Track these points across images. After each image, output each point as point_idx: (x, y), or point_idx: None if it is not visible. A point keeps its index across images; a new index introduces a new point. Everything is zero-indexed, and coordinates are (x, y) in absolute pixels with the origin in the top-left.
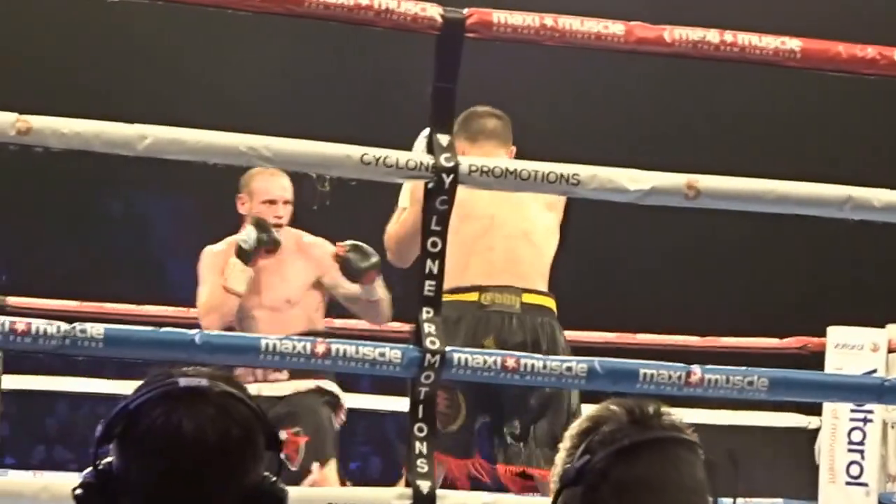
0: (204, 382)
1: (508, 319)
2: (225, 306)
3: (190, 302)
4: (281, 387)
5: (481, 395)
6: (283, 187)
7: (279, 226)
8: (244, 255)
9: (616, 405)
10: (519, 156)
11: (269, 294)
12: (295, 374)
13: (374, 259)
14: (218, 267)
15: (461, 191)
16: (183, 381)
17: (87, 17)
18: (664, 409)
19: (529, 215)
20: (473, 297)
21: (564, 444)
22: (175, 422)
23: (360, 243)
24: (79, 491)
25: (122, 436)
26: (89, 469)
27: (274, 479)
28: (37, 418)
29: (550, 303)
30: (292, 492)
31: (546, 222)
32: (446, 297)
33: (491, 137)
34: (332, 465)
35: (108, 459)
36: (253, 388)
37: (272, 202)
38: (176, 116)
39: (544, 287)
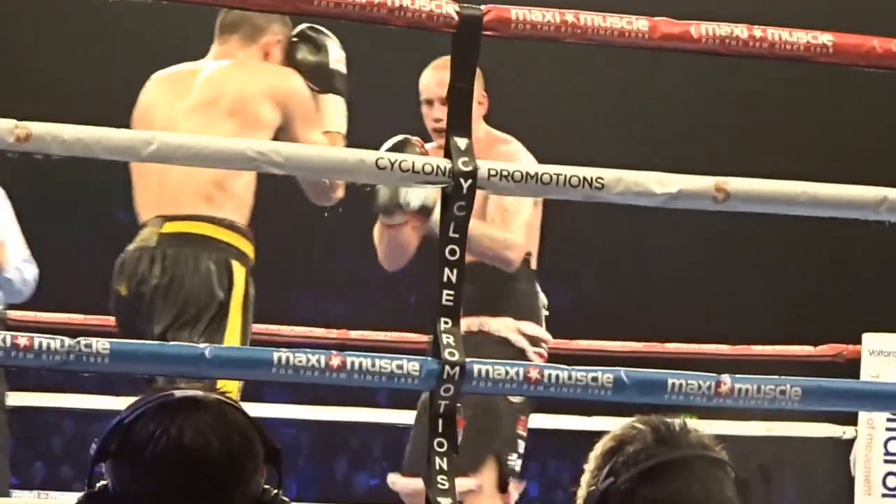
0: (199, 393)
1: (147, 257)
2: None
3: None
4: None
5: None
6: (440, 82)
7: (440, 131)
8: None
9: (641, 423)
10: (541, 159)
11: None
12: (486, 304)
13: (401, 200)
14: None
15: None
16: (178, 393)
17: (81, 16)
18: (692, 425)
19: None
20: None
21: (588, 465)
22: (175, 431)
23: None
24: None
25: (118, 451)
26: (83, 493)
27: (276, 491)
28: (40, 436)
29: (208, 229)
30: None
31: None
32: None
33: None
34: (489, 470)
35: (104, 482)
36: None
37: (428, 102)
38: None
39: (206, 210)
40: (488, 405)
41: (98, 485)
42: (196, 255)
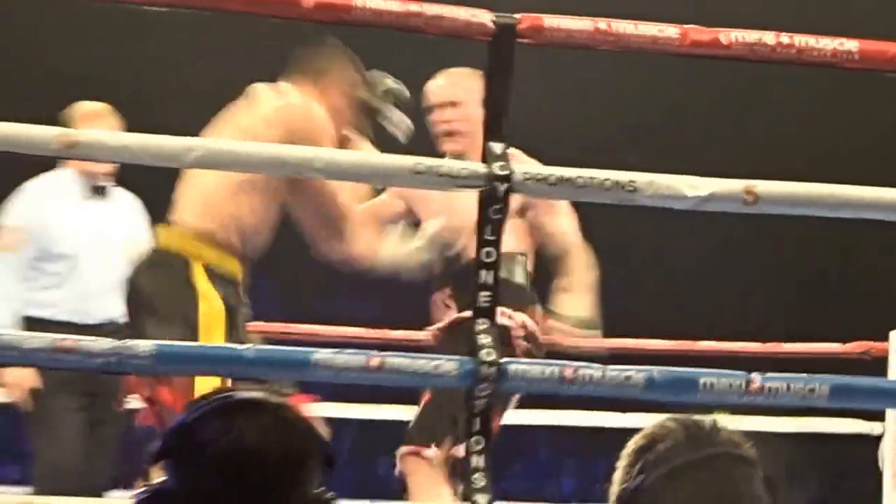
0: (259, 395)
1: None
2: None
3: None
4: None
5: None
6: (454, 83)
7: (451, 133)
8: None
9: (672, 421)
10: (573, 163)
11: None
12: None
13: None
14: None
15: None
16: (239, 394)
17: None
18: (721, 423)
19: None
20: None
21: (620, 462)
22: (236, 432)
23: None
24: None
25: (178, 450)
26: (141, 490)
27: (330, 494)
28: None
29: (188, 244)
30: None
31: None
32: None
33: None
34: (444, 449)
35: (161, 479)
36: None
37: (440, 106)
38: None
39: (194, 220)
40: (452, 392)
41: (154, 482)
42: (155, 259)
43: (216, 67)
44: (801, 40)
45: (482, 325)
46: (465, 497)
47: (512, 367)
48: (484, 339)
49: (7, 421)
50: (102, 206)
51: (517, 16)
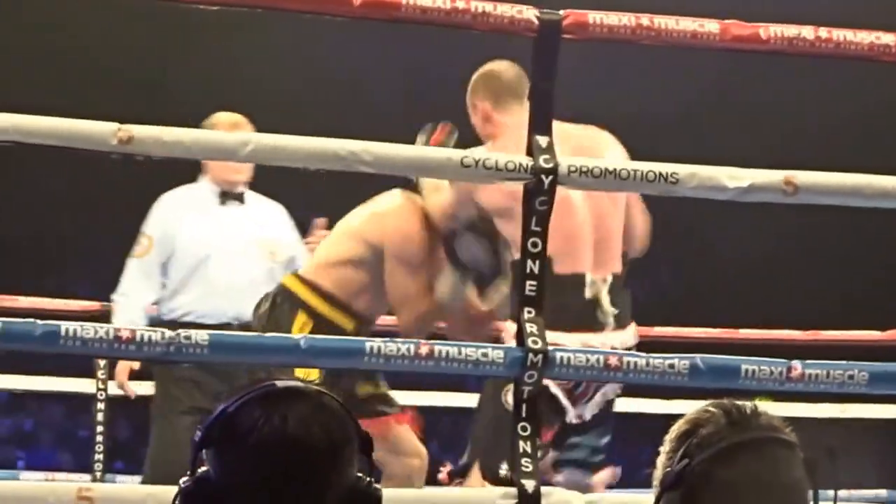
0: (300, 383)
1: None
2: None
3: None
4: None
5: None
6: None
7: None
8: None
9: (714, 406)
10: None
11: None
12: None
13: None
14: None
15: None
16: (280, 383)
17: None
18: (762, 408)
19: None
20: None
21: (664, 448)
22: (278, 419)
23: None
24: (178, 500)
25: (221, 438)
26: (186, 477)
27: (369, 479)
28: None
29: (298, 286)
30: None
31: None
32: None
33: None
34: (474, 475)
35: (205, 469)
36: None
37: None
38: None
39: (312, 274)
40: (491, 419)
41: (199, 471)
42: (274, 297)
43: (273, 67)
44: (839, 34)
45: (528, 313)
46: (513, 482)
47: (558, 355)
48: (530, 328)
49: (63, 410)
50: (236, 211)
51: (562, 12)
